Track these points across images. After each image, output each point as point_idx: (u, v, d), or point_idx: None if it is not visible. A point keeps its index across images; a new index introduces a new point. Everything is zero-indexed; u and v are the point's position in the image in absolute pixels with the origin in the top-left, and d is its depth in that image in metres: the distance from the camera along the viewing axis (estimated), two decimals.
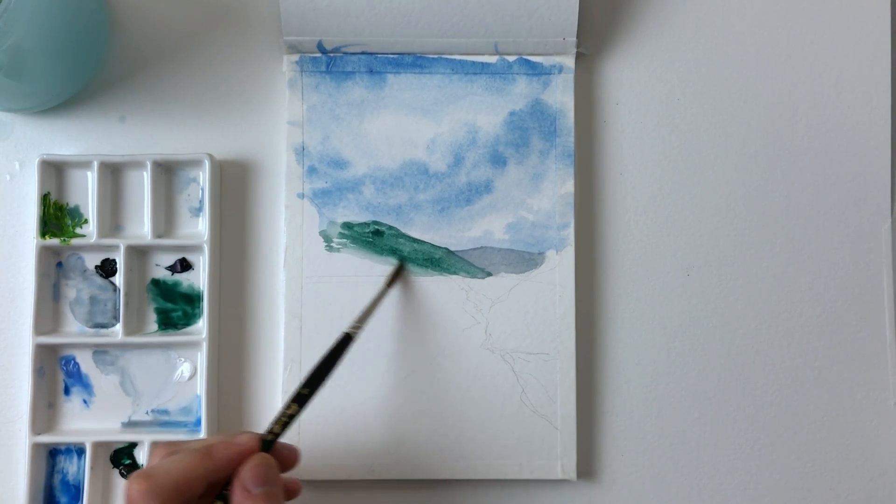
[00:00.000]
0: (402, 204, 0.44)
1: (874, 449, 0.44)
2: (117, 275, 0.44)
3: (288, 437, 0.42)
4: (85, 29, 0.43)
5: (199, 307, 0.44)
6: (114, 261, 0.44)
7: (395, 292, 0.43)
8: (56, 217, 0.44)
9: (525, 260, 0.44)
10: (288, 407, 0.37)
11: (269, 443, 0.36)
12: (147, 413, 0.43)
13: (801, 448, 0.44)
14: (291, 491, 0.38)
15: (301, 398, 0.37)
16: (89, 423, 0.43)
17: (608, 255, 0.45)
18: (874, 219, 0.45)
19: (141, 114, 0.45)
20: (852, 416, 0.45)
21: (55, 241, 0.43)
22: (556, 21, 0.43)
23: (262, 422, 0.44)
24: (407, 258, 0.44)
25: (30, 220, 0.44)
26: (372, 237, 0.44)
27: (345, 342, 0.39)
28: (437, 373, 0.43)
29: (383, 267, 0.44)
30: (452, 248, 0.44)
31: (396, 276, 0.43)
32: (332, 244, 0.44)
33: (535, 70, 0.44)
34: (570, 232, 0.44)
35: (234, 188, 0.45)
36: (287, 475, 0.38)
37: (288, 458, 0.37)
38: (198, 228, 0.44)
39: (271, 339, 0.44)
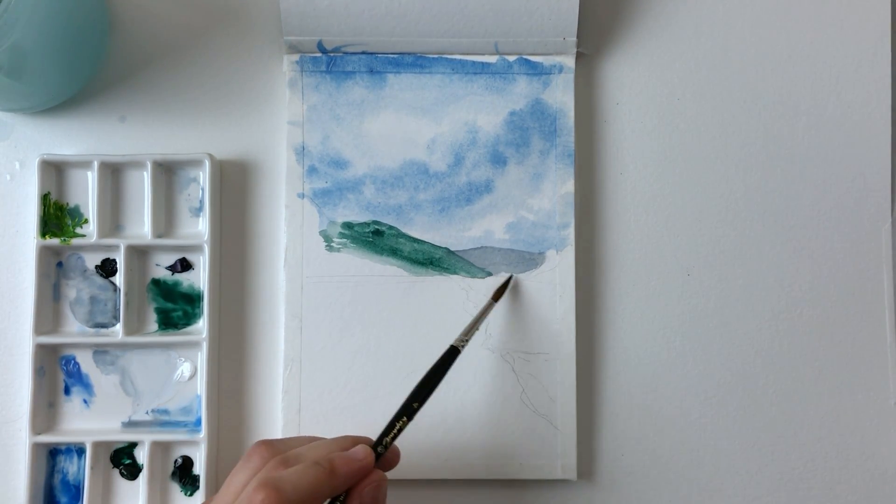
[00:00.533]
0: (403, 204, 0.44)
1: (874, 449, 0.44)
2: (117, 275, 0.44)
3: (287, 436, 0.42)
4: (85, 29, 0.43)
5: (199, 307, 0.44)
6: (114, 261, 0.44)
7: (395, 292, 0.43)
8: (56, 217, 0.44)
9: (525, 260, 0.44)
10: (399, 420, 0.37)
11: (379, 456, 0.37)
12: (147, 413, 0.43)
13: (801, 448, 0.44)
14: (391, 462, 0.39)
15: (410, 411, 0.38)
16: (89, 422, 0.43)
17: (608, 255, 0.45)
18: (874, 219, 0.45)
19: (141, 114, 0.45)
20: (852, 416, 0.45)
21: (55, 241, 0.43)
22: (556, 21, 0.43)
23: (262, 422, 0.44)
24: (408, 258, 0.44)
25: (30, 220, 0.44)
26: (372, 237, 0.44)
27: (451, 355, 0.39)
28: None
29: (383, 267, 0.44)
30: (452, 248, 0.44)
31: (504, 289, 0.43)
32: (332, 244, 0.44)
33: (535, 70, 0.44)
34: (570, 232, 0.44)
35: (234, 188, 0.45)
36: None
37: (392, 462, 0.38)
38: (198, 228, 0.44)
39: (271, 339, 0.44)
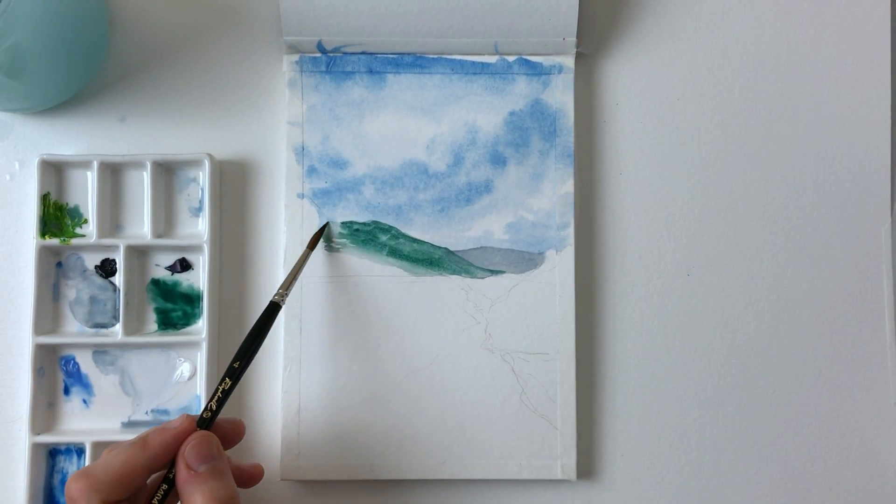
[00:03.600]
0: (402, 204, 0.44)
1: (874, 449, 0.44)
2: (117, 275, 0.44)
3: (288, 436, 0.42)
4: (85, 29, 0.43)
5: (198, 307, 0.44)
6: (114, 261, 0.44)
7: (395, 292, 0.43)
8: (56, 217, 0.44)
9: (525, 260, 0.44)
10: (222, 382, 0.37)
11: (207, 421, 0.36)
12: (147, 413, 0.43)
13: (801, 448, 0.44)
14: (252, 476, 0.39)
15: (233, 372, 0.37)
16: (89, 423, 0.43)
17: (608, 255, 0.45)
18: (874, 219, 0.45)
19: (141, 114, 0.45)
20: (852, 416, 0.45)
21: (55, 241, 0.43)
22: (556, 21, 0.43)
23: (262, 422, 0.44)
24: (408, 258, 0.44)
25: (30, 220, 0.44)
26: (372, 237, 0.44)
27: (272, 311, 0.39)
28: (437, 373, 0.43)
29: (383, 267, 0.44)
30: (452, 248, 0.44)
31: (319, 236, 0.43)
32: (332, 244, 0.44)
33: (534, 70, 0.44)
34: (570, 232, 0.44)
35: (234, 188, 0.45)
36: (251, 461, 0.39)
37: (232, 433, 0.38)
38: (198, 228, 0.44)
39: (271, 339, 0.44)
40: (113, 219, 0.44)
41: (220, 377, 0.37)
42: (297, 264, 0.41)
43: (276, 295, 0.40)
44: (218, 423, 0.37)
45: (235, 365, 0.37)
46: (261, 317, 0.39)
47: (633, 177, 0.45)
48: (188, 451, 0.34)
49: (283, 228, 0.44)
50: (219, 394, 0.37)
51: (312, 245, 0.42)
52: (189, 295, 0.44)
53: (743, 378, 0.44)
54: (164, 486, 0.35)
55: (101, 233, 0.43)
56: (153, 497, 0.35)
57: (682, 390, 0.44)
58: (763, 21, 0.46)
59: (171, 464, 0.35)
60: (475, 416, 0.43)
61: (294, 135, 0.44)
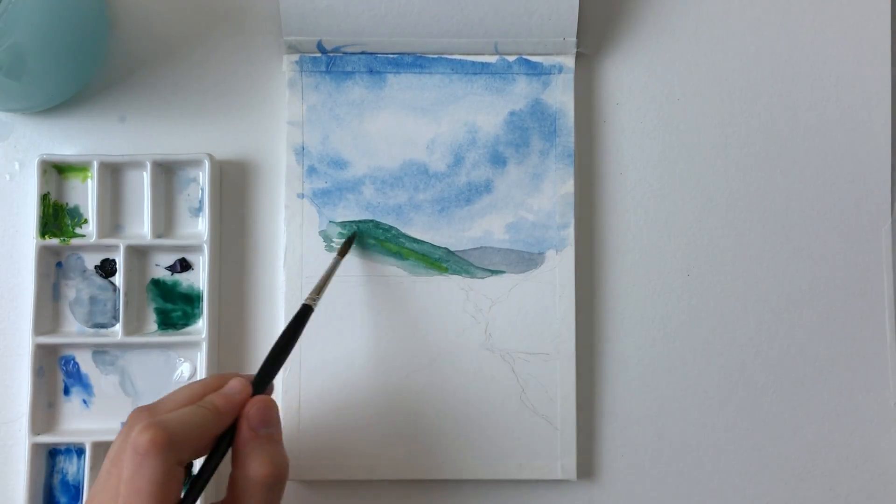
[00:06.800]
0: (402, 204, 0.44)
1: (874, 449, 0.44)
2: (117, 275, 0.44)
3: (288, 436, 0.42)
4: (85, 29, 0.43)
5: (198, 307, 0.44)
6: (113, 261, 0.44)
7: (395, 292, 0.43)
8: (56, 217, 0.44)
9: (525, 260, 0.44)
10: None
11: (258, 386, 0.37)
12: None
13: (801, 448, 0.44)
14: None
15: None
16: (89, 423, 0.43)
17: (608, 255, 0.45)
18: (874, 219, 0.45)
19: (141, 114, 0.45)
20: (852, 416, 0.45)
21: (55, 241, 0.43)
22: (556, 21, 0.43)
23: None
24: (408, 258, 0.44)
25: (30, 220, 0.44)
26: (372, 237, 0.44)
27: (305, 313, 0.39)
28: (436, 372, 0.43)
29: (383, 267, 0.44)
30: (452, 248, 0.44)
31: (349, 245, 0.43)
32: (332, 244, 0.44)
33: (535, 70, 0.44)
34: (570, 232, 0.44)
35: (234, 188, 0.45)
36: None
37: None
38: (197, 228, 0.44)
39: (271, 339, 0.44)
40: (113, 219, 0.44)
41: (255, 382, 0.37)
42: (327, 271, 0.41)
43: (308, 298, 0.40)
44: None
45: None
46: (293, 320, 0.39)
47: (633, 177, 0.45)
48: (253, 413, 0.34)
49: (283, 228, 0.44)
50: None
51: (342, 253, 0.42)
52: (189, 295, 0.44)
53: (743, 378, 0.44)
54: (221, 447, 0.34)
55: (101, 233, 0.43)
56: (212, 455, 0.34)
57: (682, 390, 0.44)
58: (763, 21, 0.46)
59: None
60: (475, 415, 0.43)
61: (294, 135, 0.44)
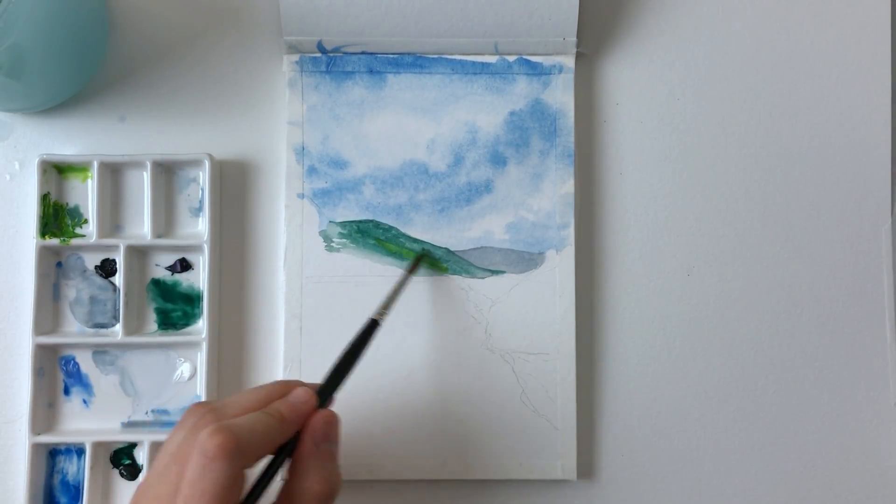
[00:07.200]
0: (402, 204, 0.44)
1: (874, 449, 0.44)
2: (117, 275, 0.44)
3: None
4: (85, 29, 0.43)
5: (198, 307, 0.44)
6: (114, 261, 0.44)
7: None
8: (56, 217, 0.44)
9: (525, 260, 0.44)
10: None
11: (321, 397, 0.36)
12: (147, 413, 0.43)
13: (801, 448, 0.44)
14: None
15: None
16: (89, 423, 0.43)
17: (608, 255, 0.45)
18: (874, 219, 0.45)
19: (141, 114, 0.45)
20: (852, 416, 0.45)
21: (55, 241, 0.43)
22: (556, 21, 0.43)
23: None
24: (408, 258, 0.44)
25: (30, 220, 0.44)
26: (372, 237, 0.44)
27: (371, 328, 0.39)
28: (436, 372, 0.43)
29: (383, 267, 0.44)
30: (452, 248, 0.44)
31: (417, 263, 0.43)
32: (332, 244, 0.44)
33: (535, 70, 0.44)
34: (570, 232, 0.44)
35: (234, 188, 0.45)
36: None
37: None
38: (198, 228, 0.44)
39: (271, 339, 0.44)
40: (113, 219, 0.44)
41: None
42: (395, 286, 0.41)
43: (375, 313, 0.39)
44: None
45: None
46: (360, 334, 0.38)
47: (633, 177, 0.45)
48: (318, 427, 0.34)
49: (283, 228, 0.44)
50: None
51: (411, 270, 0.43)
52: (189, 295, 0.44)
53: (743, 378, 0.44)
54: (281, 456, 0.34)
55: (101, 233, 0.43)
56: (272, 464, 0.34)
57: (682, 390, 0.44)
58: (763, 21, 0.46)
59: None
60: (475, 415, 0.43)
61: (294, 135, 0.44)
